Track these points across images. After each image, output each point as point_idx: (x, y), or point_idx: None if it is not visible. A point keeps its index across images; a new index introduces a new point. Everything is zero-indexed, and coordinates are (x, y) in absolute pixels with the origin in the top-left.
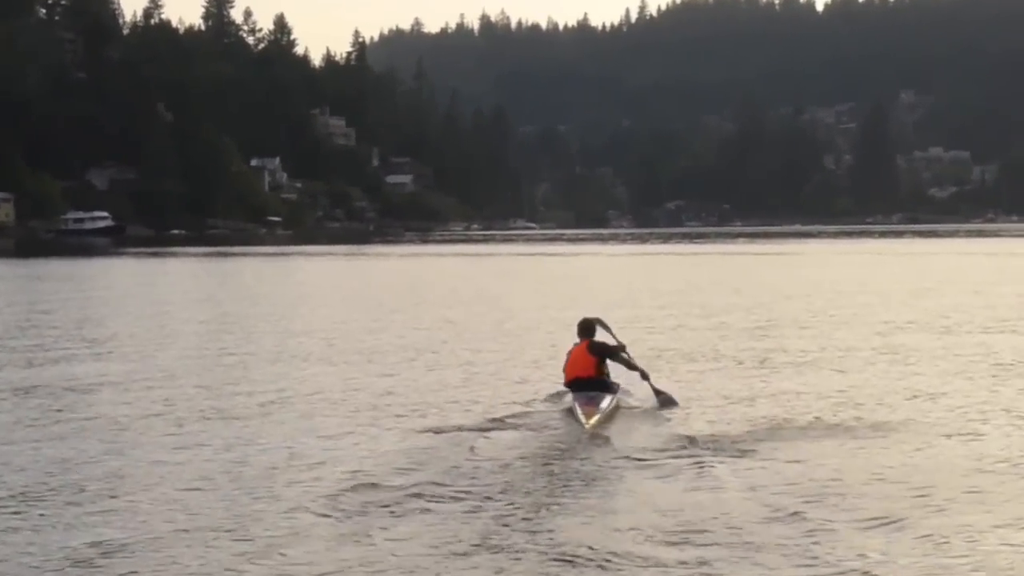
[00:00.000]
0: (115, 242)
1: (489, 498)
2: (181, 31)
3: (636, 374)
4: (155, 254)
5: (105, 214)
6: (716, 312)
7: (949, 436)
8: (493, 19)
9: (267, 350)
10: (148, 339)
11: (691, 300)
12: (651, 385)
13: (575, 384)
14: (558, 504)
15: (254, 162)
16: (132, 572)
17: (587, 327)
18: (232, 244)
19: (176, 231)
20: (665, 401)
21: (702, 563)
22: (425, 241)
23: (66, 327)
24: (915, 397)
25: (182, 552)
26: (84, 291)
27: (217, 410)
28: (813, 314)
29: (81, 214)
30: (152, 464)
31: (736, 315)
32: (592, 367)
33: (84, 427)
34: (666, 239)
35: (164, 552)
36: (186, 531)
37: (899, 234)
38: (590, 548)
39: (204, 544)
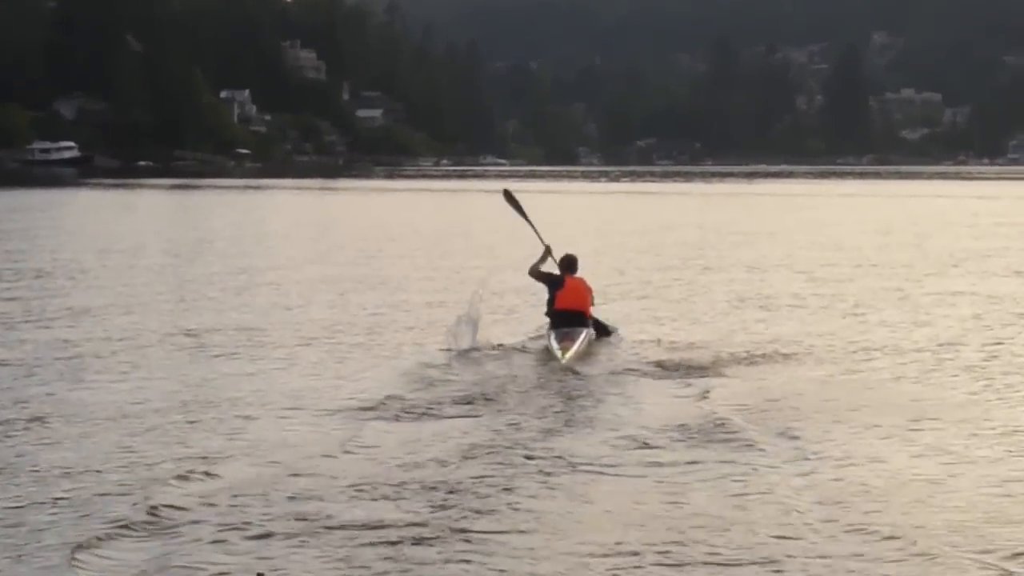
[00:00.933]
0: (82, 173)
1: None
2: None
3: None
4: (120, 186)
5: (72, 144)
6: (671, 254)
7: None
8: None
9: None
10: (100, 275)
11: (648, 240)
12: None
13: (567, 315)
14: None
15: (224, 94)
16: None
17: (571, 262)
18: (200, 176)
19: (144, 162)
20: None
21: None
22: (394, 176)
23: (19, 262)
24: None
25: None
26: (42, 226)
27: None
28: (754, 258)
29: (48, 144)
30: (91, 397)
31: (685, 255)
32: (588, 304)
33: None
34: (636, 177)
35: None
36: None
37: (866, 175)
38: (572, 456)
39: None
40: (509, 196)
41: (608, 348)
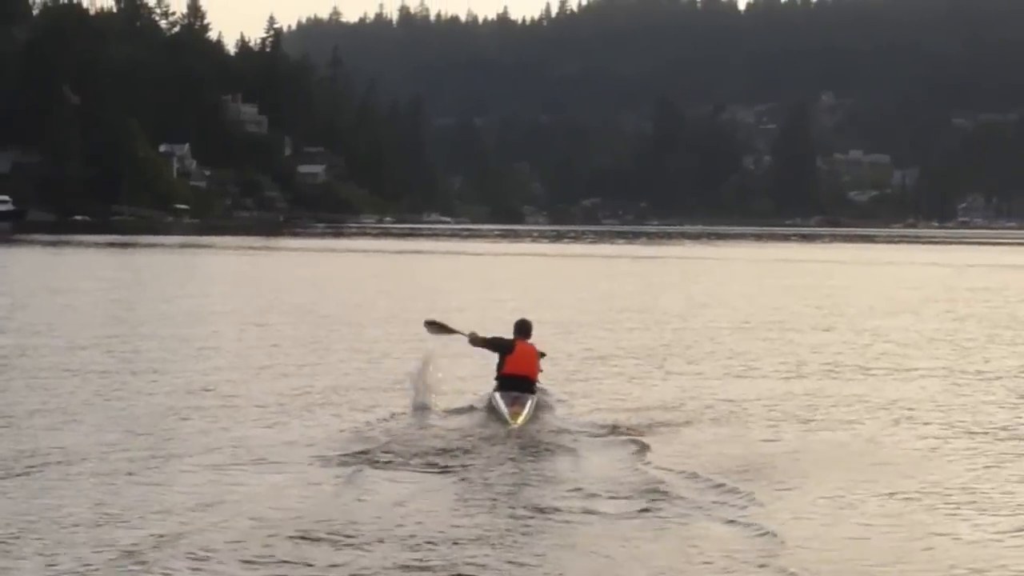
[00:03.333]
0: (14, 227)
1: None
2: (92, 12)
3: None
4: (55, 243)
5: (6, 198)
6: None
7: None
8: (412, 10)
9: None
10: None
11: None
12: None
13: (515, 379)
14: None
15: (163, 148)
16: None
17: (524, 327)
18: (137, 232)
19: (79, 217)
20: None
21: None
22: (336, 235)
23: None
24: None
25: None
26: None
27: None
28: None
29: None
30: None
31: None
32: (536, 372)
33: None
34: (577, 238)
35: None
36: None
37: (813, 238)
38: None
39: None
40: (433, 325)
41: (552, 413)
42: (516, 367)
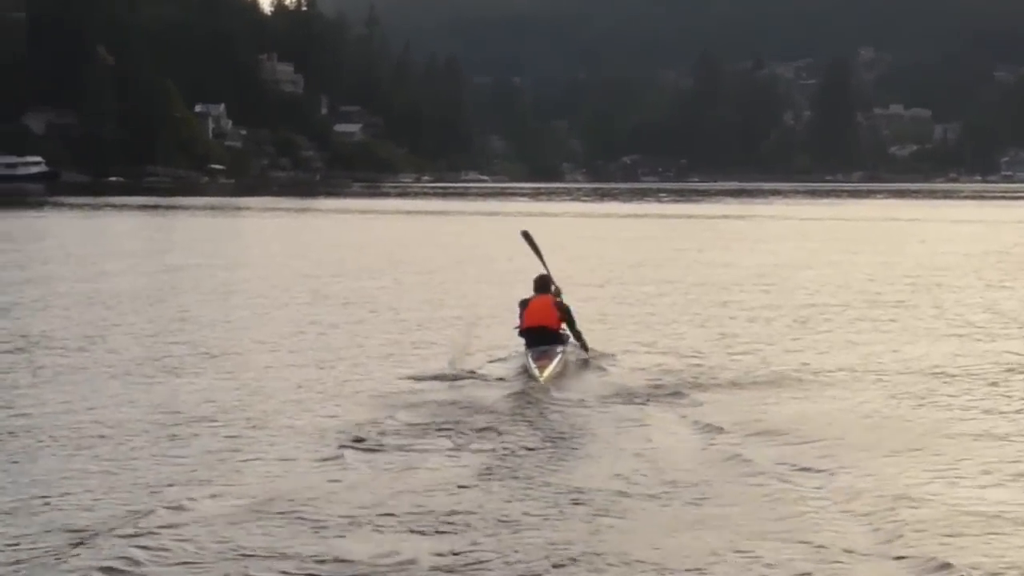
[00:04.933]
0: (48, 189)
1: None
2: None
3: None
4: (88, 206)
5: (39, 159)
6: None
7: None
8: None
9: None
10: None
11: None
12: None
13: (535, 332)
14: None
15: (198, 108)
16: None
17: (544, 283)
18: (172, 194)
19: (114, 178)
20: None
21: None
22: (375, 195)
23: None
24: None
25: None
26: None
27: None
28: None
29: (13, 159)
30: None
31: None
32: (556, 320)
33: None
34: (614, 196)
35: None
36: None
37: (863, 194)
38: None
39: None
40: (527, 236)
41: (588, 369)
42: (529, 319)
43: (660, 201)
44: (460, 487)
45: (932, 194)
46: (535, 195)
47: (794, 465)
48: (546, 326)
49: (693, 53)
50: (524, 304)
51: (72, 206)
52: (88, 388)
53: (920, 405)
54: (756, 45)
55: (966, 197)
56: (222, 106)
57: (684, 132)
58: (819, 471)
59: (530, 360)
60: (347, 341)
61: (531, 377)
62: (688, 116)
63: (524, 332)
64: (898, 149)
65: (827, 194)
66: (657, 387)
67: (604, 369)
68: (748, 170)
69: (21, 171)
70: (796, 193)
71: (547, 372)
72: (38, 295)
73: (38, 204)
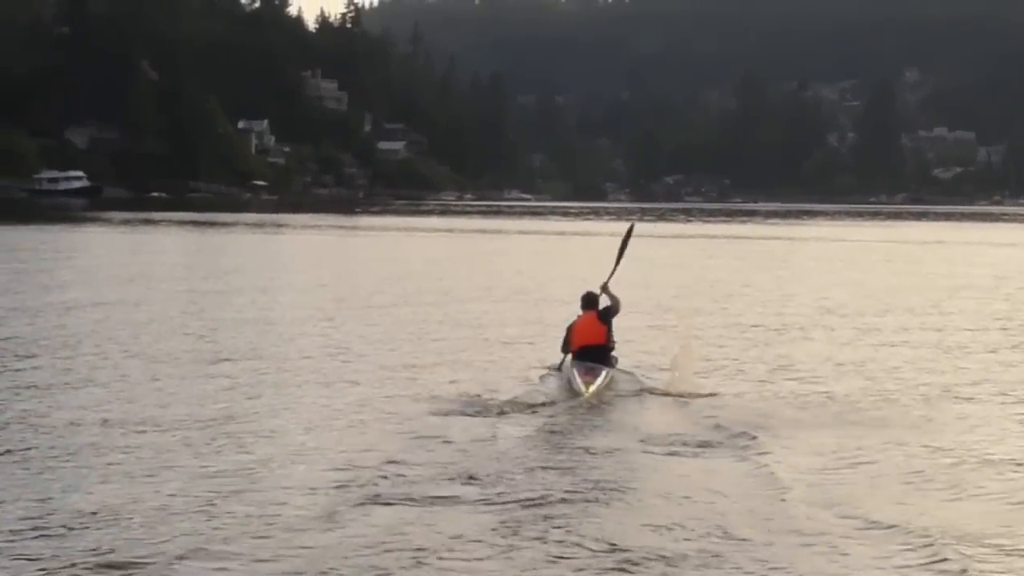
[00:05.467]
0: (91, 204)
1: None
2: None
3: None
4: (131, 221)
5: (80, 174)
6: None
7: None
8: None
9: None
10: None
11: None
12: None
13: (584, 352)
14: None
15: (241, 124)
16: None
17: (591, 300)
18: (214, 210)
19: (156, 194)
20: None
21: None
22: (419, 212)
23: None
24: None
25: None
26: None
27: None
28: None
29: (56, 173)
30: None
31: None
32: (602, 335)
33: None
34: (665, 216)
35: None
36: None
37: (915, 216)
38: (608, 542)
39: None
40: (629, 232)
41: (630, 383)
42: (580, 339)
43: (708, 222)
44: (479, 544)
45: (987, 216)
46: (582, 214)
47: (872, 522)
48: (594, 344)
49: (737, 74)
50: (571, 327)
51: (112, 222)
52: (134, 411)
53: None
54: (800, 66)
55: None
56: (265, 122)
57: (727, 152)
58: (891, 526)
59: (576, 374)
60: (373, 365)
61: (576, 392)
62: (731, 136)
63: (575, 351)
64: (942, 171)
65: (876, 215)
66: (718, 427)
67: (658, 401)
68: (791, 191)
69: (63, 186)
70: (846, 215)
71: (593, 387)
72: (63, 322)
73: (78, 219)
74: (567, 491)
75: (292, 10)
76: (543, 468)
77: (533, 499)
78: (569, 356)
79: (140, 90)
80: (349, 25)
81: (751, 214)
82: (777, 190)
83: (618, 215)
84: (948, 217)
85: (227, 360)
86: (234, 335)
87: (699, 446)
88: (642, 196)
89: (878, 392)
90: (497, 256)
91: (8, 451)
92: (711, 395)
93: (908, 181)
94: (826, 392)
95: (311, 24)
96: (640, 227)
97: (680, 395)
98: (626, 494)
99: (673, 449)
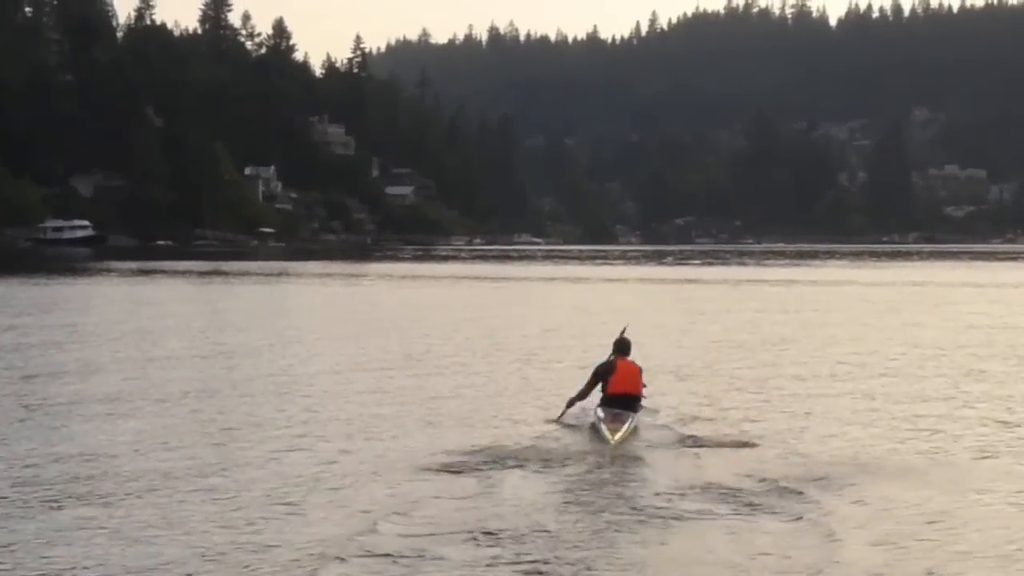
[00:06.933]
0: (95, 253)
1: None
2: (176, 34)
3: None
4: (137, 272)
5: (86, 223)
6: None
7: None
8: (502, 31)
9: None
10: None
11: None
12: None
13: (616, 399)
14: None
15: (248, 170)
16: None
17: (624, 345)
18: (219, 258)
19: (162, 242)
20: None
21: None
22: (429, 258)
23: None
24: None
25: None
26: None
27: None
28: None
29: (60, 222)
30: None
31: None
32: (640, 386)
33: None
34: (680, 259)
35: None
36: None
37: (936, 256)
38: None
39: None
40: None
41: (655, 430)
42: (619, 386)
43: (725, 264)
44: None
45: (1008, 255)
46: (595, 257)
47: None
48: (631, 393)
49: (746, 114)
50: (606, 368)
51: (115, 272)
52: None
53: None
54: (810, 106)
55: None
56: (272, 168)
57: (738, 193)
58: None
59: (602, 421)
60: (389, 412)
61: (602, 439)
62: (742, 177)
63: (609, 397)
64: (954, 209)
65: (893, 255)
66: (763, 480)
67: (691, 451)
68: (803, 231)
69: (67, 235)
70: (866, 255)
71: (619, 435)
72: (79, 387)
73: (80, 271)
74: (590, 553)
75: (298, 55)
76: (562, 524)
77: (548, 559)
78: (596, 399)
79: (145, 137)
80: (356, 70)
81: (767, 255)
82: (789, 230)
83: (637, 260)
84: (960, 256)
85: (247, 416)
86: (248, 394)
87: (739, 502)
88: (653, 238)
89: (945, 448)
90: (522, 306)
91: None
92: (751, 445)
93: (920, 220)
94: (886, 444)
95: (318, 69)
96: (667, 271)
97: (719, 444)
98: (655, 558)
99: (706, 506)
